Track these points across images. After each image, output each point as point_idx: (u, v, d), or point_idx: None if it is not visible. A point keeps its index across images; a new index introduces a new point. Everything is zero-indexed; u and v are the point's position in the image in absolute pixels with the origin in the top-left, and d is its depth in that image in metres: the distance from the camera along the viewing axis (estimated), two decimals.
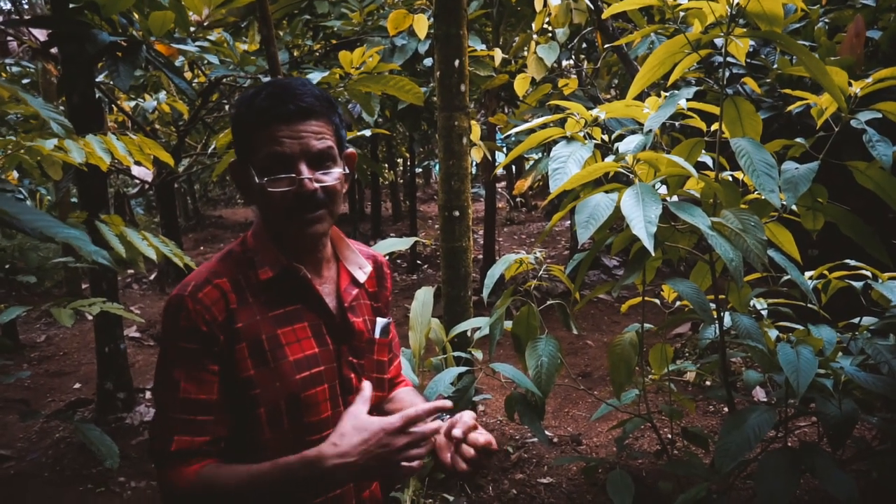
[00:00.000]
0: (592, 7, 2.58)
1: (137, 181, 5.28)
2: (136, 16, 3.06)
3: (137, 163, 2.41)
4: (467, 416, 0.97)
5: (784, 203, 1.64)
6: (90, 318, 5.02)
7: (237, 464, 0.92)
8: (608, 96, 6.41)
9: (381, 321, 1.13)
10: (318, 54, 5.96)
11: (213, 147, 3.98)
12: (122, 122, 6.07)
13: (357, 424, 0.89)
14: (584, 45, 5.36)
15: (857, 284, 2.02)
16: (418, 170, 9.55)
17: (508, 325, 2.32)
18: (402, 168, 12.49)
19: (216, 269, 1.00)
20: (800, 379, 1.58)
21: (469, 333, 2.65)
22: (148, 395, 3.90)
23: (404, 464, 0.89)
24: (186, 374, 0.93)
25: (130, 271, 7.87)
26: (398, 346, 1.27)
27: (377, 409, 1.12)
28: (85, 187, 3.20)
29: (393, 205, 12.31)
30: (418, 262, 8.03)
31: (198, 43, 2.83)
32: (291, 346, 0.98)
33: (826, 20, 4.17)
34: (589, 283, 6.29)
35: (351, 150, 1.07)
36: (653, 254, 1.30)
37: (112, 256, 2.27)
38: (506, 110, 5.32)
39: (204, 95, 4.37)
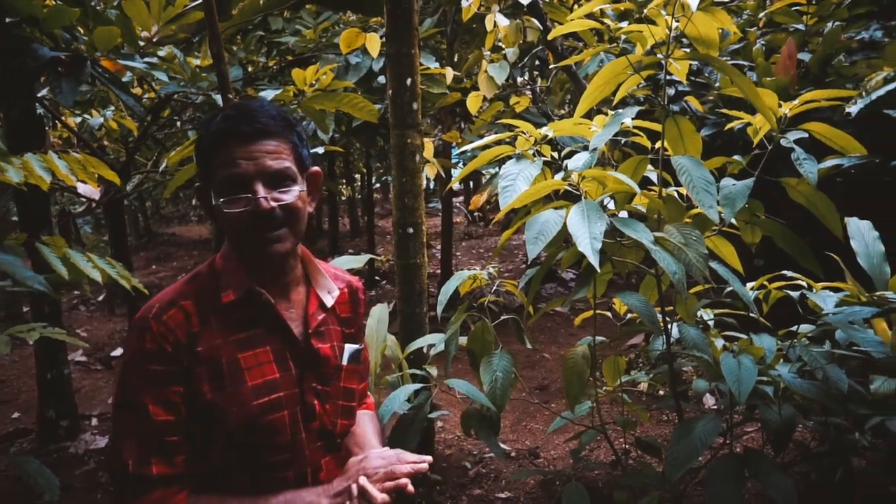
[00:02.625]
0: (541, 28, 2.65)
1: (84, 199, 5.11)
2: (81, 30, 2.99)
3: (83, 181, 2.34)
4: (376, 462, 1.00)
5: (723, 218, 1.71)
6: (30, 343, 4.81)
7: (210, 494, 0.92)
8: (562, 112, 6.55)
9: (349, 347, 1.12)
10: (273, 70, 5.92)
11: (164, 164, 3.90)
12: (66, 138, 5.88)
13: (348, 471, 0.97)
14: (538, 62, 5.48)
15: (795, 294, 2.11)
16: (376, 185, 9.54)
17: (464, 340, 2.33)
18: (359, 184, 12.45)
19: (182, 291, 0.99)
20: (741, 388, 1.63)
21: (425, 350, 2.65)
22: (94, 422, 3.75)
23: None
24: (154, 397, 0.92)
25: (77, 292, 7.58)
26: (368, 372, 1.26)
27: (344, 434, 1.11)
28: (26, 207, 3.09)
29: (351, 220, 12.24)
30: (376, 277, 7.99)
31: (146, 59, 2.78)
32: (251, 371, 0.97)
33: (763, 42, 4.37)
34: (546, 296, 6.38)
35: (315, 168, 1.07)
36: (598, 269, 1.34)
37: (55, 279, 2.19)
38: (462, 126, 5.38)
39: (154, 112, 4.28)
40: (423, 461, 1.00)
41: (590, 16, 1.98)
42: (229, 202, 0.95)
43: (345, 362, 1.10)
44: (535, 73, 5.54)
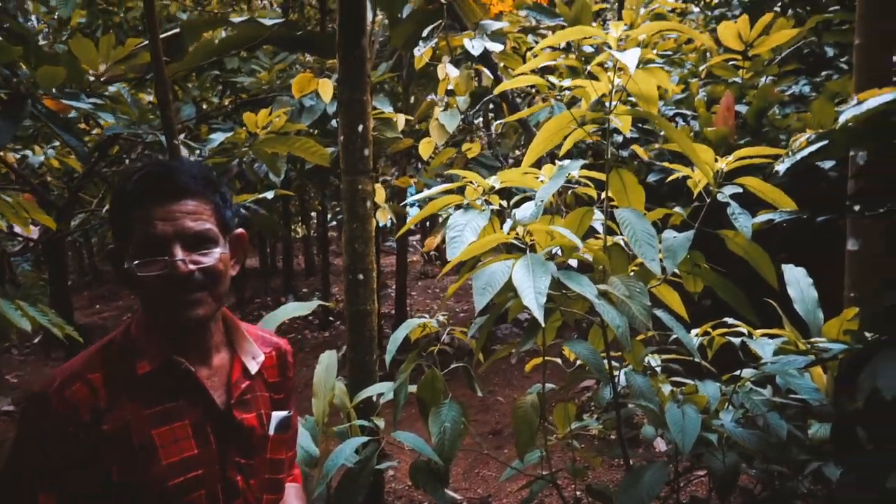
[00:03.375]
0: (492, 77, 2.72)
1: (20, 238, 4.90)
2: (24, 66, 2.91)
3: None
4: None
5: (665, 269, 1.75)
6: None
7: None
8: (517, 153, 6.70)
9: (277, 415, 1.06)
10: (228, 109, 5.87)
11: (108, 205, 3.78)
12: (5, 173, 5.66)
13: None
14: (492, 106, 5.61)
15: (736, 340, 2.17)
16: (332, 223, 9.47)
17: (414, 388, 2.30)
18: (315, 221, 12.35)
19: (90, 362, 0.92)
20: (685, 439, 1.65)
21: (374, 398, 2.60)
22: None
23: None
24: (47, 486, 0.84)
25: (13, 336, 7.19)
26: (296, 440, 1.20)
27: None
28: None
29: (306, 259, 12.09)
30: (330, 318, 7.87)
31: (92, 99, 2.72)
32: (167, 448, 0.91)
33: (704, 92, 4.59)
34: (501, 336, 6.38)
35: (240, 230, 1.03)
36: (543, 324, 1.34)
37: None
38: (418, 167, 5.42)
39: (101, 149, 4.17)
40: None
41: (545, 66, 2.04)
42: (144, 265, 0.90)
43: (272, 432, 1.05)
44: (490, 115, 5.66)
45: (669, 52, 4.98)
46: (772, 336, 2.17)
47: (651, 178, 3.88)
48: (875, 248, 2.36)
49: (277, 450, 1.06)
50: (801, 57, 5.40)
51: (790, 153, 1.50)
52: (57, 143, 5.01)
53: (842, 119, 1.30)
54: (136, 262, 0.90)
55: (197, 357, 0.98)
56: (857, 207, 1.50)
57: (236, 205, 2.51)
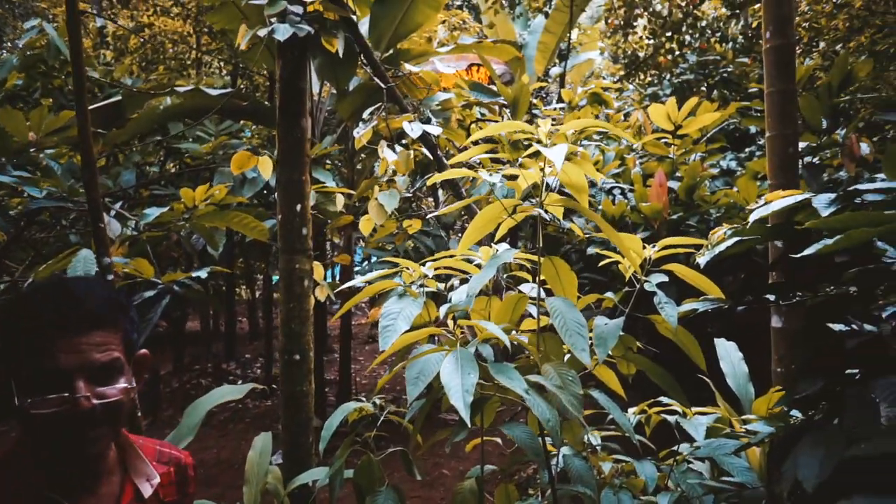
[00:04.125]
0: (432, 157, 2.79)
1: None
2: None
3: None
4: None
5: (599, 357, 1.77)
6: None
7: None
8: (462, 221, 6.81)
9: None
10: (172, 174, 5.79)
11: (32, 277, 3.61)
12: None
13: None
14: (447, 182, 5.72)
15: (671, 418, 2.20)
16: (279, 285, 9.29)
17: (351, 473, 2.22)
18: (261, 282, 12.11)
19: None
20: None
21: (311, 484, 2.49)
22: None
23: None
24: None
25: None
26: None
27: None
28: None
29: (250, 322, 11.76)
30: (273, 385, 7.60)
31: (18, 172, 2.63)
32: None
33: (640, 166, 4.82)
34: (447, 411, 6.29)
35: (143, 352, 0.98)
36: (469, 425, 1.33)
37: None
38: (362, 239, 5.43)
39: (28, 217, 4.01)
40: None
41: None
42: (38, 403, 0.82)
43: None
44: (437, 187, 5.77)
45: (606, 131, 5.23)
46: (705, 413, 2.22)
47: (590, 250, 4.00)
48: (796, 325, 2.47)
49: None
50: (727, 133, 5.78)
51: (709, 246, 1.57)
52: None
53: (752, 218, 1.37)
54: (30, 398, 0.82)
55: (82, 486, 0.91)
56: (772, 297, 1.57)
57: (169, 282, 2.44)
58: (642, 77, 8.21)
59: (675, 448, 2.23)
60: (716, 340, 2.65)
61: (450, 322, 1.62)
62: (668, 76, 7.17)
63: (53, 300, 0.86)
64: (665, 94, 6.79)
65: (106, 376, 0.87)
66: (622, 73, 8.21)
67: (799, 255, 1.13)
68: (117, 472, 0.97)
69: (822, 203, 1.26)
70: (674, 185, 4.19)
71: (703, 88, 7.16)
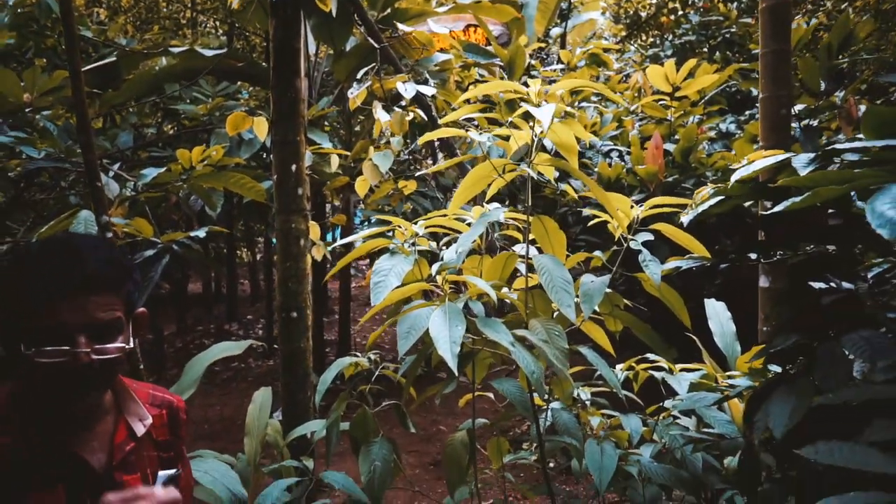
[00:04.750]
0: (426, 117, 2.80)
1: None
2: None
3: None
4: None
5: (584, 313, 1.83)
6: None
7: None
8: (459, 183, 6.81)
9: (163, 474, 1.05)
10: (170, 135, 5.78)
11: (36, 237, 3.66)
12: None
13: None
14: (437, 141, 5.70)
15: (659, 375, 2.28)
16: None
17: (347, 426, 2.30)
18: (262, 244, 12.16)
19: None
20: (602, 476, 1.72)
21: (309, 436, 2.58)
22: None
23: None
24: None
25: None
26: (190, 496, 1.19)
27: None
28: None
29: (251, 284, 11.86)
30: (275, 346, 7.72)
31: (14, 132, 2.65)
32: None
33: (638, 129, 4.81)
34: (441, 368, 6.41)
35: (142, 310, 1.02)
36: (456, 374, 1.39)
37: None
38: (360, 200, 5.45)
39: (27, 177, 4.04)
40: None
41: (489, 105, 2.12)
42: (43, 353, 0.87)
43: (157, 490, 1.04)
44: (437, 144, 5.76)
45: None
46: (691, 370, 2.29)
47: (586, 212, 4.03)
48: (781, 285, 2.53)
49: None
50: (728, 95, 5.73)
51: (693, 206, 1.60)
52: None
53: (733, 178, 1.41)
54: (35, 348, 0.87)
55: (77, 423, 0.97)
56: (753, 256, 1.61)
57: (169, 242, 2.49)
58: (644, 38, 8.10)
59: (661, 404, 2.31)
60: (706, 300, 2.70)
61: (440, 279, 1.67)
62: (669, 37, 7.08)
63: (60, 259, 0.89)
64: (666, 56, 6.71)
65: (106, 334, 0.92)
66: (624, 33, 8.10)
67: (768, 213, 1.16)
68: (112, 412, 1.03)
69: (802, 163, 1.28)
70: (671, 147, 4.19)
71: (706, 49, 7.07)
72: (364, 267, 12.57)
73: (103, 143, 4.92)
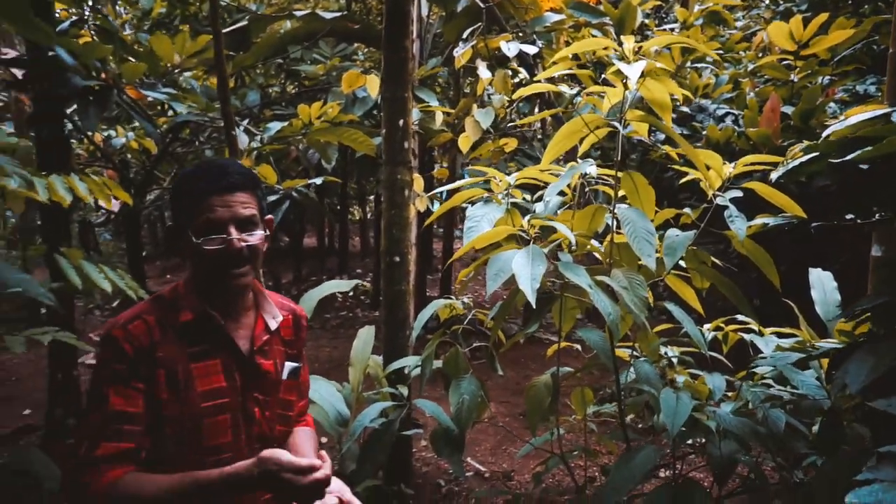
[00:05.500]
0: (529, 76, 2.87)
1: (103, 211, 5.39)
2: (109, 58, 3.27)
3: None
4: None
5: (666, 265, 1.88)
6: (45, 344, 5.06)
7: (150, 474, 1.08)
8: None
9: (289, 365, 1.30)
10: (291, 95, 6.21)
11: None
12: (92, 151, 6.21)
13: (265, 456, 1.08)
14: (539, 101, 5.71)
15: (748, 336, 2.27)
16: None
17: (440, 363, 2.51)
18: (372, 204, 12.72)
19: (146, 308, 1.19)
20: (675, 421, 1.78)
21: (406, 371, 2.83)
22: None
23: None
24: (115, 390, 1.10)
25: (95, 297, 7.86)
26: (307, 390, 1.44)
27: (281, 440, 1.29)
28: (48, 218, 3.33)
29: (362, 240, 12.48)
30: (381, 298, 8.18)
31: (166, 89, 3.04)
32: (202, 379, 1.16)
33: (754, 92, 4.55)
34: (544, 324, 6.53)
35: (269, 216, 1.27)
36: (534, 306, 1.52)
37: (70, 287, 2.41)
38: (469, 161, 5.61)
39: (173, 132, 4.56)
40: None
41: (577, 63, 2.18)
42: (208, 241, 1.14)
43: (284, 377, 1.29)
44: (540, 108, 5.77)
45: (721, 52, 4.95)
46: (785, 335, 2.25)
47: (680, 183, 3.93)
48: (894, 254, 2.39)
49: (288, 392, 1.30)
50: (874, 55, 5.21)
51: (786, 163, 1.61)
52: (136, 125, 5.47)
53: (825, 134, 1.41)
54: (201, 238, 1.14)
55: (229, 313, 1.23)
56: (849, 216, 1.59)
57: (289, 188, 2.77)
58: None
59: (750, 368, 2.30)
60: (810, 270, 2.63)
61: (527, 225, 1.79)
62: None
63: (209, 172, 1.18)
64: (800, 10, 6.19)
65: (248, 226, 1.19)
66: None
67: (838, 161, 1.18)
68: (252, 310, 1.29)
69: None
70: (788, 111, 3.95)
71: (849, 2, 6.42)
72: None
73: (234, 102, 5.41)
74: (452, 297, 2.55)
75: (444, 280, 6.62)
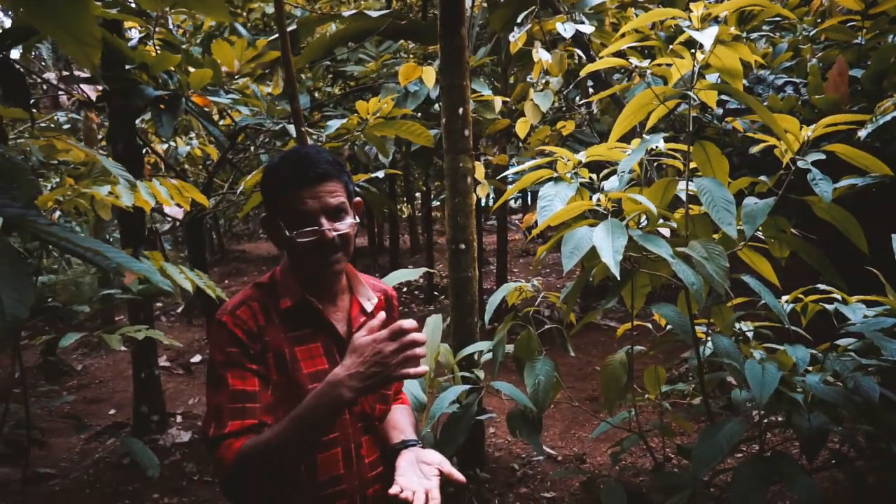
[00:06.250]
0: (584, 57, 2.85)
1: (169, 219, 5.62)
2: (174, 69, 3.41)
3: (179, 204, 2.69)
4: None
5: (744, 234, 1.84)
6: (122, 349, 5.31)
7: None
8: None
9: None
10: (338, 96, 6.32)
11: (241, 187, 4.30)
12: (153, 163, 6.47)
13: (353, 347, 1.08)
14: (591, 84, 5.64)
15: (830, 307, 2.20)
16: (435, 203, 9.84)
17: (511, 348, 2.52)
18: (420, 202, 12.81)
19: (250, 295, 1.24)
20: (763, 391, 1.75)
21: (476, 356, 2.86)
22: (179, 419, 4.14)
23: (403, 370, 1.07)
24: (232, 373, 1.15)
25: (158, 304, 8.20)
26: None
27: (381, 418, 1.33)
28: (126, 225, 3.51)
29: (411, 238, 12.60)
30: (435, 293, 8.25)
31: (230, 95, 3.15)
32: (306, 361, 1.20)
33: (817, 58, 4.38)
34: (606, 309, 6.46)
35: (358, 199, 1.30)
36: (619, 278, 1.52)
37: (153, 289, 2.53)
38: (518, 145, 5.59)
39: (231, 139, 4.71)
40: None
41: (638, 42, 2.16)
42: (301, 234, 1.18)
43: None
44: (591, 92, 5.70)
45: (779, 19, 4.78)
46: (871, 303, 2.17)
47: (753, 150, 3.82)
48: None
49: None
50: None
51: (874, 119, 1.56)
52: (193, 135, 5.68)
53: None
54: (294, 231, 1.16)
55: (325, 298, 1.28)
56: None
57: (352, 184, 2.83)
58: None
59: (834, 341, 2.23)
60: (893, 235, 2.52)
61: (602, 198, 1.79)
62: None
63: (297, 163, 1.19)
64: None
65: (338, 215, 1.21)
66: None
67: None
68: (347, 293, 1.34)
69: None
70: (857, 74, 3.79)
71: None
72: (517, 221, 12.76)
73: (284, 107, 5.55)
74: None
75: (499, 275, 6.62)
